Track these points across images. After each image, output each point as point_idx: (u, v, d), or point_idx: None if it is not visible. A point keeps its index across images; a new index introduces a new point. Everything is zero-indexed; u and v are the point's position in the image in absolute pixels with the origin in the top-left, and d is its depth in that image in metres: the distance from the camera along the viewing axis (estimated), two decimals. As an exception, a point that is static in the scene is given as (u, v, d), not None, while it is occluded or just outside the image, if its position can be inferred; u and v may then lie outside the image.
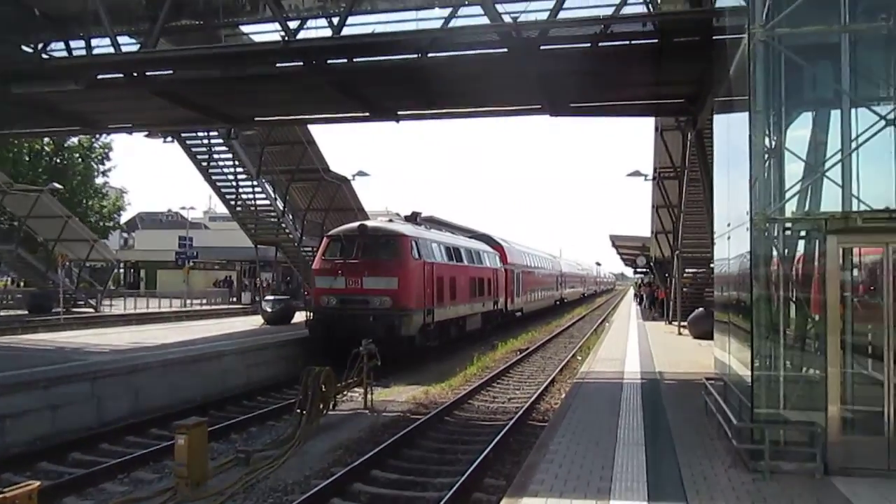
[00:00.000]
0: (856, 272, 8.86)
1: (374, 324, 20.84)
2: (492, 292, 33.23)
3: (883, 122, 7.85)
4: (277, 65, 16.32)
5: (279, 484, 10.35)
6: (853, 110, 8.27)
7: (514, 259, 40.76)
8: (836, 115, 8.56)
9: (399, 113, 20.12)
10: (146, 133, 25.44)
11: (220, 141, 29.64)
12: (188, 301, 49.25)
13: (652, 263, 47.42)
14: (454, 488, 9.59)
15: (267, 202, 32.83)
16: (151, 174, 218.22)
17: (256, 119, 23.20)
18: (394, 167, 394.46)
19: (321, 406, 13.72)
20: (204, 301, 51.63)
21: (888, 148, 8.09)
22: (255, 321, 28.90)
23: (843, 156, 8.03)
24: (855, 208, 7.98)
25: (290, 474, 10.80)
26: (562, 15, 13.73)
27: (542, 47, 14.54)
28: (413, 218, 29.02)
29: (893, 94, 8.38)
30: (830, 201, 8.36)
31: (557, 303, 58.70)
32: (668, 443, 9.67)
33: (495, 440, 12.27)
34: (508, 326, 36.18)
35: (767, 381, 8.28)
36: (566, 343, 31.91)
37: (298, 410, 13.36)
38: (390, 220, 27.90)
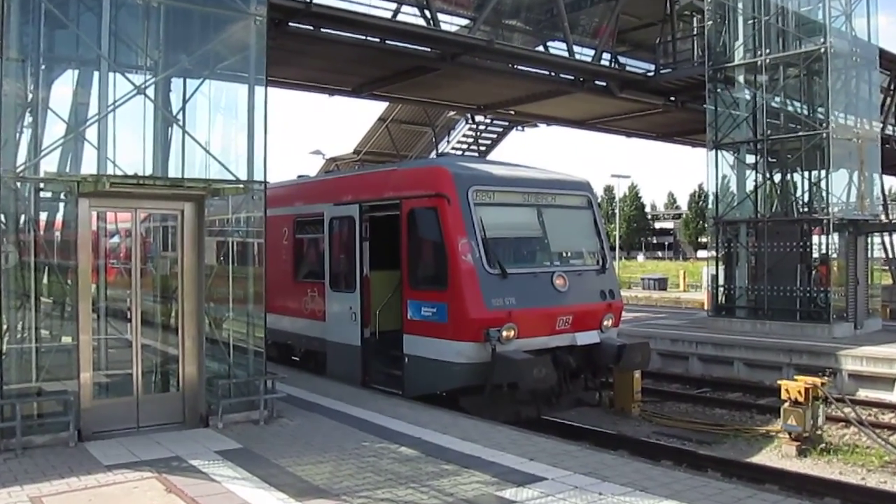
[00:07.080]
0: (118, 238, 8.98)
1: None
2: None
3: (136, 91, 8.03)
4: None
5: None
6: (113, 74, 8.23)
7: None
8: (97, 76, 8.39)
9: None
10: None
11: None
12: None
13: None
14: None
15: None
16: None
17: None
18: None
19: None
20: None
21: (142, 116, 8.35)
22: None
23: (99, 118, 7.94)
24: (111, 172, 7.98)
25: None
26: None
27: None
28: None
29: (148, 65, 8.62)
30: (93, 164, 8.17)
31: None
32: None
33: None
34: None
35: (20, 353, 7.68)
36: None
37: None
38: None
